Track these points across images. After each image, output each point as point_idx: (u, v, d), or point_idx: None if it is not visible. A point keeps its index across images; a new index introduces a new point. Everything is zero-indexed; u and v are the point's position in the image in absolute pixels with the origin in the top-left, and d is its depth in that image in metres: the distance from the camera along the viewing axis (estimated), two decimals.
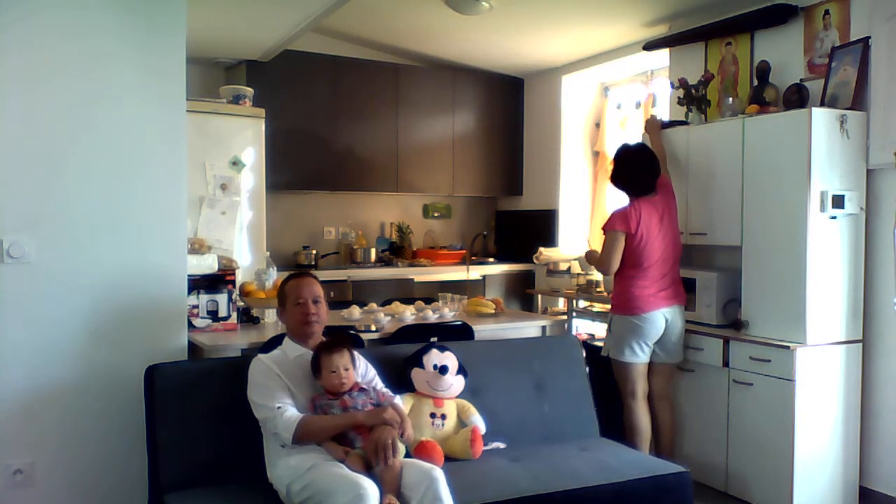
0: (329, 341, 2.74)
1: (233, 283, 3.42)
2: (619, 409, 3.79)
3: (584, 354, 3.65)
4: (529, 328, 3.85)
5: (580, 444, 3.16)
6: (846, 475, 3.62)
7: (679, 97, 4.34)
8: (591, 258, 3.97)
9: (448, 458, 2.81)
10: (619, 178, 3.81)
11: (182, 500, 2.54)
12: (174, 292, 3.13)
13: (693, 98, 4.25)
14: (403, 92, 6.02)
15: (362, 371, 2.80)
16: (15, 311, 2.87)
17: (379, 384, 2.81)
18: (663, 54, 4.93)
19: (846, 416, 3.61)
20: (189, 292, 3.21)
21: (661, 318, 3.67)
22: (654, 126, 4.23)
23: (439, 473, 2.44)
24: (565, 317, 5.39)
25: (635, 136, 4.76)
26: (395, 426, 2.54)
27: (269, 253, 4.66)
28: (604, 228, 3.74)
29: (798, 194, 3.50)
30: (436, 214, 6.60)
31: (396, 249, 6.25)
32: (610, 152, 3.96)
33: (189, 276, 3.20)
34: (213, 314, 3.37)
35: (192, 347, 3.20)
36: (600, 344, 3.96)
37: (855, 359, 3.64)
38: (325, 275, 5.20)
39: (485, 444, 2.97)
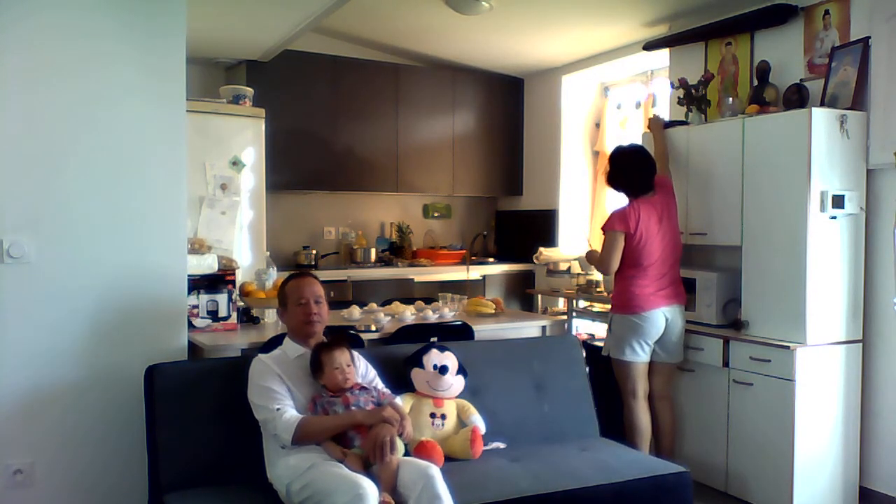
0: (329, 340, 2.75)
1: (233, 283, 3.42)
2: (619, 408, 3.79)
3: (584, 354, 3.65)
4: (529, 328, 3.85)
5: (580, 444, 3.16)
6: (846, 475, 3.62)
7: (679, 97, 4.34)
8: (591, 258, 3.97)
9: (448, 458, 2.81)
10: (615, 180, 3.81)
11: (182, 500, 2.54)
12: (174, 292, 3.13)
13: (693, 98, 4.25)
14: (403, 92, 6.02)
15: (362, 371, 2.80)
16: (15, 311, 2.87)
17: (379, 384, 2.81)
18: (663, 54, 4.93)
19: (846, 416, 3.61)
20: (189, 292, 3.21)
21: (662, 317, 3.68)
22: (657, 125, 4.23)
23: (436, 471, 2.45)
24: (565, 317, 5.39)
25: (635, 136, 4.77)
26: (394, 424, 2.54)
27: (269, 253, 4.66)
28: (603, 228, 3.74)
29: (798, 194, 3.50)
30: (436, 214, 6.60)
31: (396, 249, 6.25)
32: (609, 152, 3.97)
33: (189, 276, 3.20)
34: (213, 314, 3.37)
35: (192, 347, 3.20)
36: (600, 344, 3.96)
37: (855, 359, 3.64)
38: (325, 275, 5.19)
39: (485, 444, 2.97)
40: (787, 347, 3.48)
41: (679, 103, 4.35)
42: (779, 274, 3.61)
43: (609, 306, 3.92)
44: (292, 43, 5.02)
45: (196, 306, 3.32)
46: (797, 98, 3.74)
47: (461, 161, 6.30)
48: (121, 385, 2.99)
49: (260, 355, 2.73)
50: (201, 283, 3.33)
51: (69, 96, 2.93)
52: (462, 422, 3.00)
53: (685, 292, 3.83)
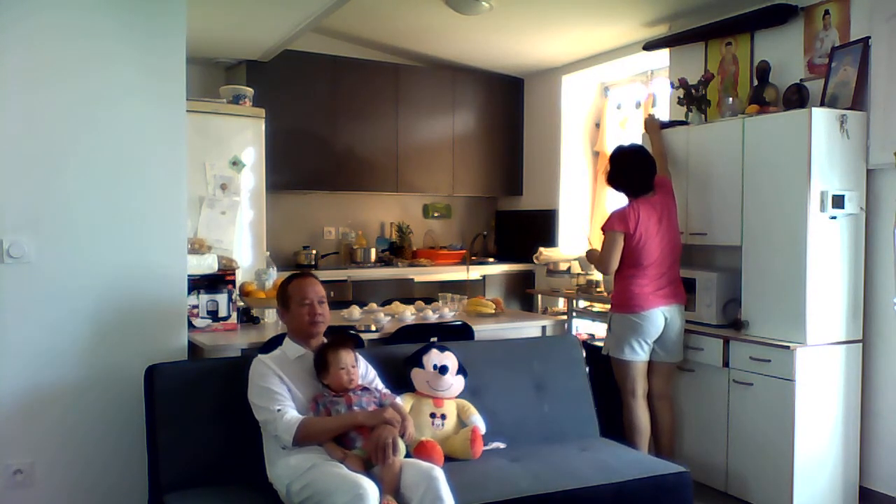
0: (334, 340, 2.75)
1: (233, 283, 3.42)
2: (619, 408, 3.79)
3: (584, 354, 3.65)
4: (529, 328, 3.85)
5: (580, 444, 3.16)
6: (846, 475, 3.62)
7: (679, 97, 4.34)
8: (591, 257, 3.97)
9: (448, 458, 2.81)
10: (615, 180, 3.82)
11: (182, 500, 2.54)
12: (174, 292, 3.13)
13: (693, 98, 4.25)
14: (403, 92, 6.02)
15: (363, 371, 2.80)
16: (15, 311, 2.87)
17: (379, 384, 2.81)
18: (663, 54, 4.93)
19: (846, 416, 3.61)
20: (189, 292, 3.21)
21: (661, 317, 3.68)
22: (654, 126, 4.23)
23: (439, 473, 2.44)
24: (565, 317, 5.39)
25: (635, 136, 4.76)
26: (395, 425, 2.54)
27: (269, 253, 4.66)
28: (603, 228, 3.75)
29: (798, 194, 3.50)
30: (436, 214, 6.60)
31: (396, 249, 6.25)
32: (610, 152, 3.98)
33: (189, 276, 3.20)
34: (213, 314, 3.37)
35: (192, 347, 3.20)
36: (600, 344, 3.96)
37: (855, 359, 3.64)
38: (325, 275, 5.20)
39: (485, 444, 2.97)
40: (787, 347, 3.48)
41: (679, 103, 4.35)
42: (779, 274, 3.61)
43: (609, 306, 3.92)
44: (292, 43, 5.02)
45: (196, 306, 3.32)
46: (797, 98, 3.74)
47: (461, 161, 6.30)
48: (121, 385, 2.99)
49: (260, 356, 2.73)
50: (201, 283, 3.33)
51: (69, 96, 2.93)
52: (462, 422, 3.00)
53: (685, 292, 3.83)
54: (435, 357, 3.03)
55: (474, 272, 6.00)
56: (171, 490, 2.60)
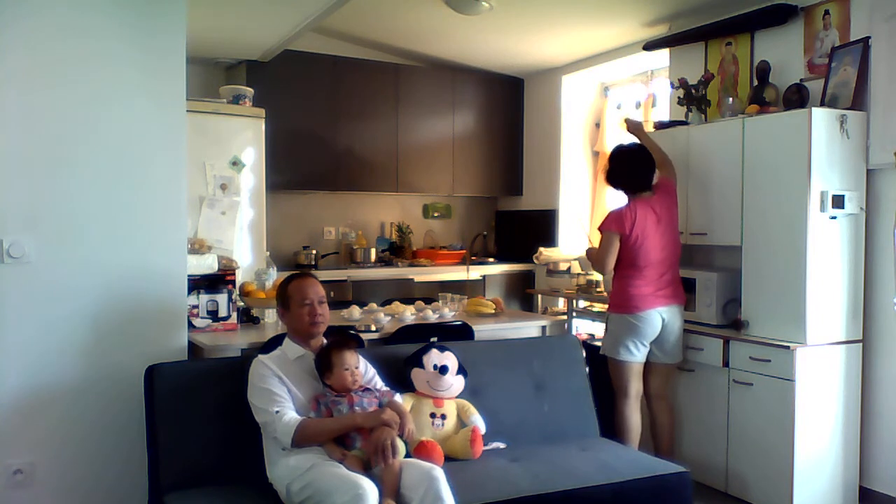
0: (338, 340, 2.75)
1: (233, 283, 3.42)
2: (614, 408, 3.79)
3: (584, 354, 3.65)
4: (529, 328, 3.85)
5: (580, 444, 3.16)
6: (846, 475, 3.62)
7: (679, 97, 4.34)
8: (590, 255, 3.97)
9: (448, 458, 2.81)
10: (613, 178, 3.82)
11: (182, 500, 2.54)
12: (174, 292, 3.13)
13: (693, 98, 4.25)
14: (403, 92, 6.02)
15: (362, 370, 2.80)
16: (15, 311, 2.87)
17: (379, 383, 2.82)
18: (663, 54, 4.93)
19: (846, 416, 3.61)
20: (189, 292, 3.21)
21: (658, 318, 3.67)
22: (635, 126, 4.13)
23: (440, 473, 2.44)
24: (565, 317, 5.39)
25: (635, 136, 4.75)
26: (394, 426, 2.54)
27: (269, 253, 4.66)
28: (599, 228, 3.75)
29: (798, 194, 3.50)
30: (436, 214, 6.60)
31: (396, 249, 6.25)
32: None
33: (189, 276, 3.20)
34: (213, 314, 3.37)
35: (192, 347, 3.20)
36: (600, 344, 3.96)
37: (855, 359, 3.64)
38: (325, 275, 5.20)
39: (485, 444, 2.97)
40: (787, 347, 3.48)
41: (679, 103, 4.36)
42: (779, 274, 3.61)
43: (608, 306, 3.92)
44: (292, 43, 5.02)
45: (196, 306, 3.32)
46: (797, 98, 3.74)
47: (461, 161, 6.30)
48: (121, 385, 2.99)
49: (259, 356, 2.73)
50: (201, 283, 3.33)
51: (69, 96, 2.93)
52: (462, 422, 3.00)
53: (684, 293, 3.82)
54: (435, 357, 3.03)
55: (474, 272, 6.00)
56: (171, 490, 2.60)
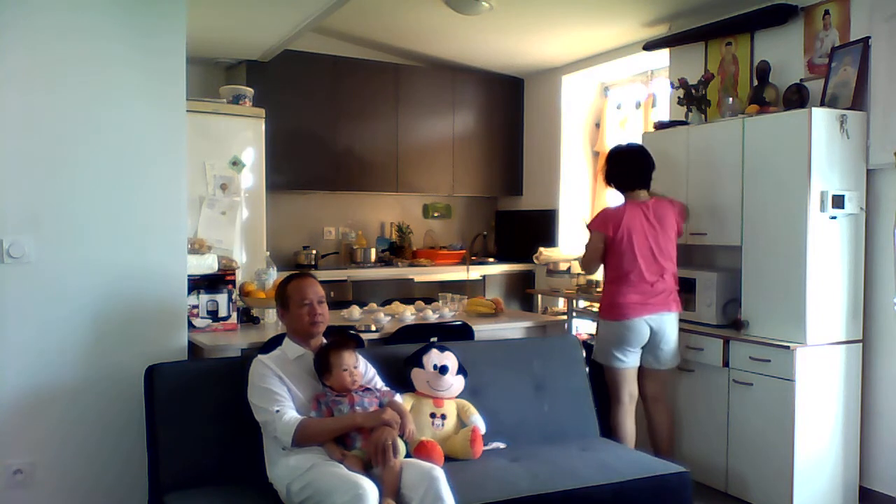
0: (337, 340, 2.75)
1: (233, 283, 3.42)
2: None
3: (584, 354, 3.65)
4: (529, 328, 3.84)
5: (580, 444, 3.16)
6: (846, 475, 3.62)
7: (679, 97, 4.34)
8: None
9: (448, 458, 2.81)
10: (608, 174, 3.80)
11: (182, 500, 2.54)
12: (174, 292, 3.13)
13: (693, 98, 4.25)
14: (403, 92, 6.02)
15: (362, 370, 2.80)
16: (15, 311, 2.87)
17: (379, 382, 2.82)
18: (663, 54, 4.93)
19: (846, 416, 3.61)
20: (189, 292, 3.21)
21: (645, 326, 3.62)
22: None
23: (440, 473, 2.44)
24: (565, 317, 5.38)
25: (635, 136, 4.76)
26: (394, 426, 2.54)
27: (269, 253, 4.65)
28: (588, 227, 3.75)
29: (798, 194, 3.50)
30: (436, 214, 6.60)
31: (396, 249, 6.24)
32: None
33: (189, 276, 3.20)
34: (213, 314, 3.36)
35: (192, 347, 3.20)
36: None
37: (855, 359, 3.64)
38: (325, 275, 5.20)
39: (485, 444, 2.97)
40: (787, 347, 3.48)
41: (679, 103, 4.35)
42: (779, 274, 3.61)
43: None
44: (292, 43, 5.02)
45: (196, 306, 3.31)
46: (797, 98, 3.74)
47: (461, 161, 6.30)
48: (121, 385, 2.99)
49: (259, 356, 2.73)
50: (201, 283, 3.33)
51: (69, 97, 2.93)
52: (462, 422, 3.00)
53: (680, 302, 3.75)
54: (435, 357, 3.03)
55: (474, 272, 6.00)
56: (171, 490, 2.60)
